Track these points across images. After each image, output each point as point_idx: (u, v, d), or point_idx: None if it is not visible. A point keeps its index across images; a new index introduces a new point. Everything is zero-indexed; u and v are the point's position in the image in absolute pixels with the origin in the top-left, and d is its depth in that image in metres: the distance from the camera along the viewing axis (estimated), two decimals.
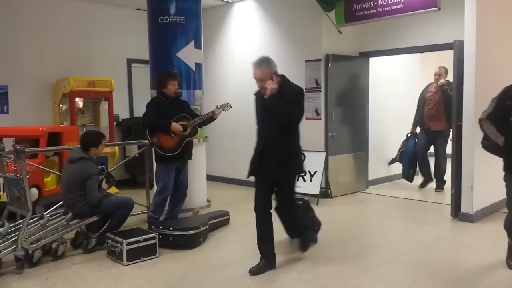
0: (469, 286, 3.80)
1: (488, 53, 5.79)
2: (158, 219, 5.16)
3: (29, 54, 7.49)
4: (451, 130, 6.52)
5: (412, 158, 7.58)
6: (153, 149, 5.26)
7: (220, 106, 5.28)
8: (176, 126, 4.97)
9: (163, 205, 5.20)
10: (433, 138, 7.49)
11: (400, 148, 7.86)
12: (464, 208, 5.70)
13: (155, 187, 5.29)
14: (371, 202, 7.08)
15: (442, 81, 7.30)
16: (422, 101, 7.53)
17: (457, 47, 5.73)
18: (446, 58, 7.04)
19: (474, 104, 5.57)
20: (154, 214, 5.18)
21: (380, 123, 7.99)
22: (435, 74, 7.35)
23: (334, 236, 5.27)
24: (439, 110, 7.30)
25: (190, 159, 5.33)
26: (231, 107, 5.37)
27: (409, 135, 7.74)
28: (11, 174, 4.52)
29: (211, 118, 5.20)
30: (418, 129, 7.73)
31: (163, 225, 4.89)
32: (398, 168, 8.57)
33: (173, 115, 5.01)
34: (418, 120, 7.60)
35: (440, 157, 7.56)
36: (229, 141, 8.39)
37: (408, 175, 7.71)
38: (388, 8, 6.16)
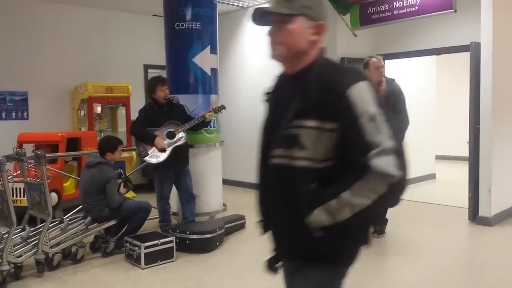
0: None
1: (505, 55, 5.74)
2: (168, 225, 5.19)
3: (48, 61, 7.63)
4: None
5: None
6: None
7: (213, 108, 5.31)
8: (159, 142, 4.89)
9: (163, 211, 5.21)
10: None
11: None
12: (482, 212, 5.64)
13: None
14: None
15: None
16: None
17: (474, 49, 5.68)
18: (462, 60, 7.00)
19: (492, 107, 5.52)
20: (162, 222, 5.24)
21: None
22: (376, 67, 5.03)
23: None
24: None
25: (187, 164, 5.27)
26: (225, 109, 5.40)
27: None
28: (31, 179, 4.62)
29: (202, 122, 5.18)
30: None
31: (179, 229, 4.94)
32: (415, 171, 8.51)
33: (162, 121, 5.00)
34: None
35: None
36: (244, 145, 8.42)
37: None
38: (403, 11, 6.15)
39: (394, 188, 1.46)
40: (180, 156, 5.11)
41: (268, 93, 1.91)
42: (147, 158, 5.03)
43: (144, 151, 5.02)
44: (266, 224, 1.83)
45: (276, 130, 1.66)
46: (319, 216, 1.52)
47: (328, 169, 1.57)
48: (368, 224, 1.72)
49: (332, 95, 1.53)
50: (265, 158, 1.74)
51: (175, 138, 5.01)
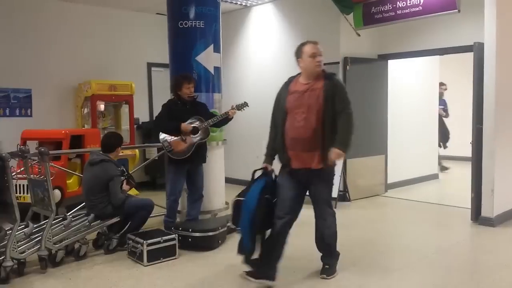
0: None
1: (508, 55, 5.74)
2: (173, 222, 5.21)
3: (52, 59, 7.65)
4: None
5: (254, 218, 3.72)
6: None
7: (236, 106, 5.30)
8: (185, 126, 4.96)
9: (174, 208, 5.25)
10: (307, 184, 3.89)
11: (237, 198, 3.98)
12: (484, 212, 5.64)
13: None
14: (390, 206, 7.04)
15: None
16: (280, 111, 3.91)
17: (477, 49, 5.68)
18: (466, 61, 6.99)
19: (495, 107, 5.52)
20: (168, 217, 5.26)
21: (399, 126, 7.94)
22: (311, 55, 3.79)
23: (352, 240, 5.26)
24: (314, 126, 3.73)
25: (204, 162, 5.34)
26: (248, 106, 5.37)
27: (258, 173, 4.01)
28: (35, 176, 4.64)
29: (225, 119, 5.20)
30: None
31: (182, 227, 4.95)
32: (418, 171, 8.53)
33: (185, 117, 5.03)
34: (275, 146, 3.96)
35: (324, 215, 3.95)
36: (247, 143, 8.43)
37: (247, 249, 3.83)
38: (407, 11, 6.14)
39: None
40: (196, 153, 5.13)
41: None
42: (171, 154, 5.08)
43: (169, 146, 5.06)
44: None
45: None
46: None
47: None
48: None
49: None
50: None
51: (198, 134, 5.04)
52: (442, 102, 9.58)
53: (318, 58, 3.79)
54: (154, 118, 8.59)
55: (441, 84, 9.52)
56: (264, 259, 3.83)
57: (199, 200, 5.37)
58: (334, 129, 3.74)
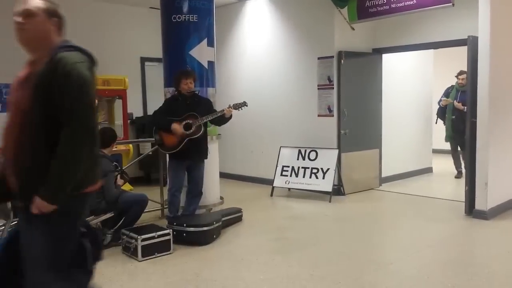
0: (483, 284, 3.78)
1: (502, 48, 5.75)
2: (172, 217, 5.21)
3: None
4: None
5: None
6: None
7: (233, 104, 5.27)
8: (175, 127, 4.95)
9: (173, 202, 5.25)
10: None
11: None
12: (478, 205, 5.66)
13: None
14: (384, 199, 7.06)
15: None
16: None
17: (471, 43, 5.68)
18: (460, 54, 7.00)
19: (489, 101, 5.53)
20: (169, 212, 5.29)
21: (394, 119, 7.95)
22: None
23: (347, 233, 5.28)
24: (15, 136, 2.18)
25: (206, 158, 5.34)
26: (246, 105, 5.33)
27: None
28: None
29: (221, 116, 5.17)
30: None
31: (177, 222, 4.94)
32: (412, 165, 8.56)
33: (183, 113, 5.02)
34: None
35: None
36: (242, 138, 8.42)
37: None
38: (401, 4, 6.13)
39: None
40: (195, 149, 5.11)
41: None
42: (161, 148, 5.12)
43: (159, 139, 5.10)
44: None
45: None
46: None
47: None
48: None
49: None
50: None
51: (191, 131, 5.01)
52: None
53: (14, 18, 2.31)
54: (148, 113, 8.63)
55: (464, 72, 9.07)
56: None
57: (197, 196, 5.37)
58: (48, 146, 2.12)
